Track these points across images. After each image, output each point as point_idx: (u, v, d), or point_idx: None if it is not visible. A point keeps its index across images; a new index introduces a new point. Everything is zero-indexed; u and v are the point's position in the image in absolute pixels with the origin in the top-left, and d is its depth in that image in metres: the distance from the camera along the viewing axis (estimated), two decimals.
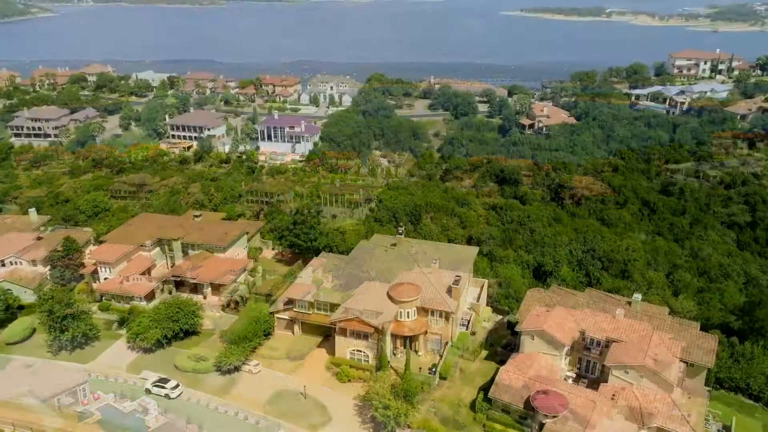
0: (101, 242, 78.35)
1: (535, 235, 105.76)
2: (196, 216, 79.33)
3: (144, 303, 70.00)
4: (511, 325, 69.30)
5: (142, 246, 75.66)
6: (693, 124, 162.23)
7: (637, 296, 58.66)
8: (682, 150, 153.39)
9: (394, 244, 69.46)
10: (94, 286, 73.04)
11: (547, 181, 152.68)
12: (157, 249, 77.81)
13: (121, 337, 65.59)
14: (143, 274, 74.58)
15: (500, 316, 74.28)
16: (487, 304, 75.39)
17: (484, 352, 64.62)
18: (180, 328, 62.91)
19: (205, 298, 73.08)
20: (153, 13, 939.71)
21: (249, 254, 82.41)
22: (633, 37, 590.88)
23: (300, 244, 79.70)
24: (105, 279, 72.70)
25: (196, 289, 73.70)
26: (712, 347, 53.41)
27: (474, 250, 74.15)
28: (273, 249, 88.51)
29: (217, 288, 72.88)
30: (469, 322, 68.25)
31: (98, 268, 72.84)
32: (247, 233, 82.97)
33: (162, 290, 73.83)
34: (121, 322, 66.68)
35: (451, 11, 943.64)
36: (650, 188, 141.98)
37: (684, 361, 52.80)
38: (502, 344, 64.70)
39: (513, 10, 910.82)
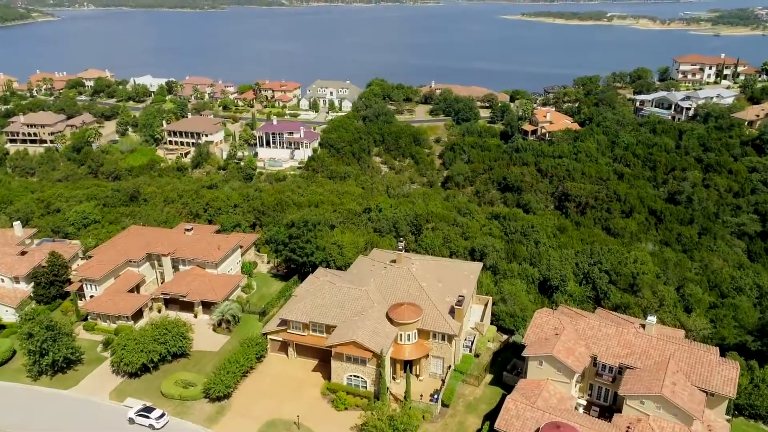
0: (89, 257, 75.01)
1: (540, 247, 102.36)
2: (188, 230, 76.09)
3: (131, 322, 66.64)
4: (516, 347, 65.92)
5: (130, 261, 72.34)
6: (699, 130, 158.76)
7: (652, 319, 55.20)
8: (689, 157, 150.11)
9: (394, 261, 66.06)
10: (80, 304, 69.68)
11: (550, 188, 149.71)
12: (147, 264, 74.51)
13: (105, 359, 62.19)
14: (131, 291, 71.30)
15: (505, 336, 70.98)
16: (492, 323, 72.08)
17: (489, 376, 61.22)
18: (167, 351, 59.50)
19: (195, 316, 69.74)
20: (154, 18, 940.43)
21: (243, 269, 79.15)
22: (635, 41, 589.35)
23: (296, 259, 76.38)
24: (91, 297, 69.37)
25: (186, 306, 70.34)
26: (733, 375, 49.95)
27: (477, 266, 70.76)
28: (268, 262, 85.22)
29: (208, 306, 69.53)
30: (472, 343, 64.88)
31: (84, 286, 69.54)
32: (241, 247, 79.70)
33: (151, 308, 70.51)
34: (107, 344, 63.29)
35: (451, 15, 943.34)
36: (657, 196, 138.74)
37: (704, 391, 49.33)
38: (508, 367, 61.22)
39: (514, 15, 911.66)
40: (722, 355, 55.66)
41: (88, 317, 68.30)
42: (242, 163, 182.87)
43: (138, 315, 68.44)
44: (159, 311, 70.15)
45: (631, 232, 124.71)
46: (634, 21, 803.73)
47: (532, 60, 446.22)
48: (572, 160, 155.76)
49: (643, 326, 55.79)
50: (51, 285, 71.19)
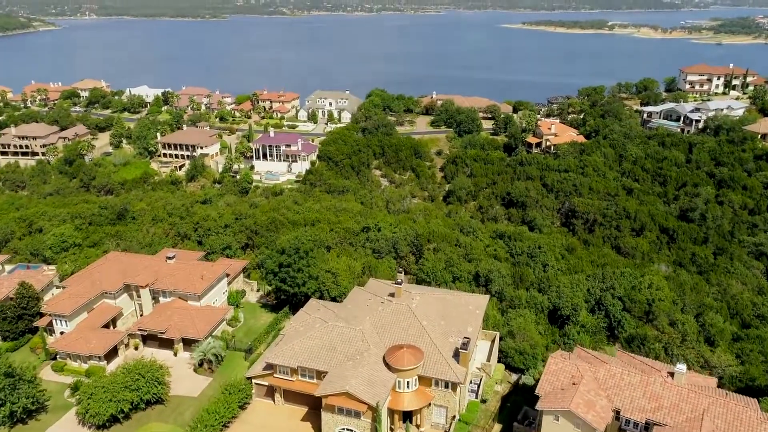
0: (63, 287, 69.25)
1: (549, 270, 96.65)
2: (169, 257, 70.32)
3: (103, 363, 60.77)
4: (527, 389, 59.99)
5: (106, 293, 66.55)
6: (710, 143, 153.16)
7: (681, 367, 49.23)
8: (701, 172, 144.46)
9: (392, 294, 60.27)
10: (50, 340, 63.87)
11: (556, 204, 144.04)
12: (125, 295, 68.72)
13: (73, 406, 56.24)
14: (107, 325, 65.50)
15: (514, 375, 65.01)
16: (499, 360, 66.13)
17: (498, 426, 55.18)
18: (140, 399, 53.57)
19: (175, 354, 63.86)
20: (154, 27, 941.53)
21: (230, 299, 73.32)
22: (637, 49, 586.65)
23: (287, 290, 70.55)
24: (61, 333, 63.57)
25: (166, 343, 64.46)
26: None
27: (484, 299, 64.89)
28: (258, 290, 79.43)
29: (190, 343, 63.64)
30: (478, 387, 58.89)
31: (53, 321, 63.73)
32: (228, 275, 73.93)
33: (127, 345, 64.64)
34: (75, 388, 57.36)
35: (452, 25, 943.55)
36: (668, 213, 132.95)
37: None
38: (519, 417, 55.18)
39: (515, 24, 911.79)
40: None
41: (57, 356, 62.43)
42: (238, 177, 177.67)
43: (112, 353, 62.60)
44: (136, 348, 64.35)
45: (643, 252, 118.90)
46: (636, 30, 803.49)
47: (534, 69, 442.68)
48: (579, 175, 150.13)
49: (671, 374, 49.81)
50: (19, 319, 65.47)
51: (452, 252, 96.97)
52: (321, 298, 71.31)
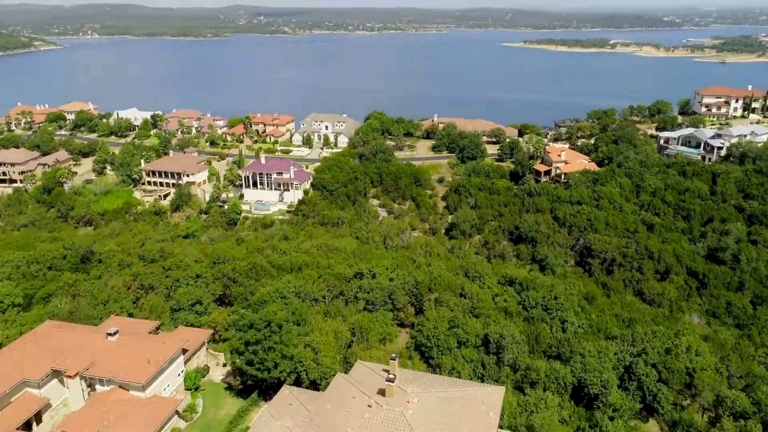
0: None
1: (568, 329, 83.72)
2: (110, 334, 57.43)
3: None
4: None
5: (28, 381, 53.68)
6: (736, 173, 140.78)
7: None
8: (728, 205, 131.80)
9: (383, 392, 47.32)
10: None
11: (570, 240, 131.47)
12: (55, 381, 55.80)
13: None
14: (28, 424, 52.48)
15: None
16: None
17: None
18: None
19: None
20: (156, 46, 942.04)
21: (186, 381, 60.26)
22: (641, 68, 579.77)
23: (255, 375, 57.52)
24: None
25: None
26: None
27: (498, 394, 51.77)
28: (225, 365, 66.39)
29: None
30: None
31: None
32: (185, 351, 60.95)
33: None
34: None
35: (453, 44, 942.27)
36: (695, 253, 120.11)
37: None
38: None
39: (516, 42, 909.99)
40: None
41: None
42: (226, 207, 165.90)
43: None
44: None
45: (671, 300, 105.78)
46: (638, 48, 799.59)
47: (537, 88, 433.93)
48: (593, 207, 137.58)
49: None
50: None
51: (456, 305, 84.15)
52: (297, 380, 58.43)
